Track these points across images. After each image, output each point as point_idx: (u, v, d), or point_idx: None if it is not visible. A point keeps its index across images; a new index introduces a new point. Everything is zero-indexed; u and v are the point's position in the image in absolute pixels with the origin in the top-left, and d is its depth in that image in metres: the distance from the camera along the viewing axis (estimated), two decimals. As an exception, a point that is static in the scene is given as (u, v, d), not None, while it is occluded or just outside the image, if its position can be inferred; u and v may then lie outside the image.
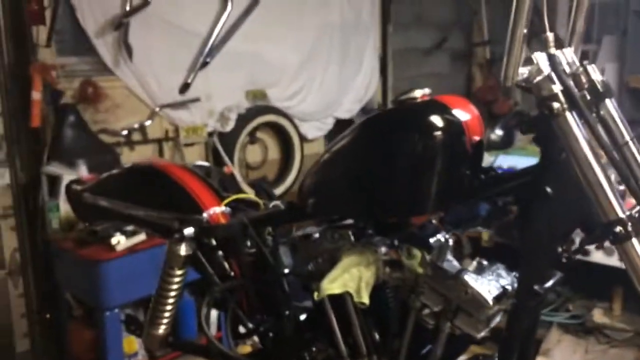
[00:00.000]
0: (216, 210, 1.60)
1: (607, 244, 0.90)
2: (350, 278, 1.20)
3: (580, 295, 3.09)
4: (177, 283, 1.55)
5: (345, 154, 1.24)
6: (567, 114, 0.90)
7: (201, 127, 3.49)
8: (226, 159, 3.52)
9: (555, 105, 0.89)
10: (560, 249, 1.02)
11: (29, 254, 2.87)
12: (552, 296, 3.09)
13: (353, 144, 1.22)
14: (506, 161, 3.32)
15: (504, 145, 3.82)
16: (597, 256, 2.68)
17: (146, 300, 2.62)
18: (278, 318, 1.52)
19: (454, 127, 1.09)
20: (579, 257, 1.07)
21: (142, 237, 2.61)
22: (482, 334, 1.13)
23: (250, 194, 3.53)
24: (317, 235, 1.37)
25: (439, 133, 1.08)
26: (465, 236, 3.14)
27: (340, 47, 4.13)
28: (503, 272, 1.15)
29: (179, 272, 1.53)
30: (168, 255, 1.52)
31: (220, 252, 1.58)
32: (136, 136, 3.26)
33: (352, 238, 1.27)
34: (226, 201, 1.62)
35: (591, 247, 2.48)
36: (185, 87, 3.38)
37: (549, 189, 0.98)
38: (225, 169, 3.51)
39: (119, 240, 2.54)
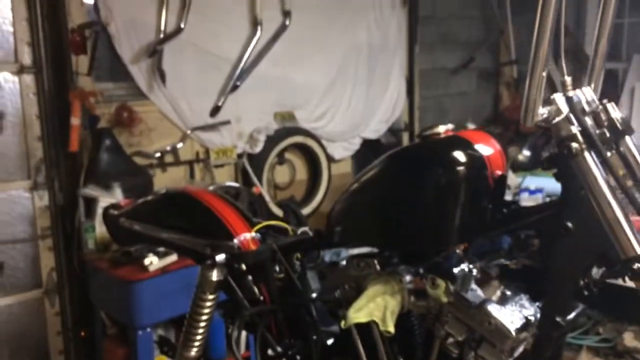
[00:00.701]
0: (247, 237, 1.66)
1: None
2: (375, 307, 1.24)
3: (611, 318, 3.06)
4: (209, 307, 1.60)
5: (372, 185, 1.29)
6: (586, 153, 0.93)
7: (231, 149, 3.57)
8: (255, 179, 3.59)
9: (574, 145, 0.93)
10: (582, 282, 1.04)
11: (66, 274, 2.98)
12: (583, 319, 3.06)
13: (380, 176, 1.27)
14: (533, 182, 3.31)
15: (532, 165, 3.80)
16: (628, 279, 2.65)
17: (178, 320, 2.71)
18: (306, 342, 1.56)
19: (476, 162, 1.13)
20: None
21: (174, 257, 2.68)
22: (507, 364, 1.15)
23: (278, 215, 3.61)
24: (343, 263, 1.41)
25: (461, 168, 1.12)
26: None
27: (367, 68, 4.19)
28: (526, 303, 1.18)
29: (210, 297, 1.58)
30: (200, 280, 1.58)
31: (250, 277, 1.63)
32: (168, 158, 3.36)
33: (378, 267, 1.31)
34: (256, 227, 1.68)
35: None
36: (216, 110, 3.48)
37: (569, 224, 1.01)
38: (254, 189, 3.59)
39: (152, 261, 2.61)
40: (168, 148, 3.34)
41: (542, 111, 0.96)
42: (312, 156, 3.95)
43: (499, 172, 1.14)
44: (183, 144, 3.38)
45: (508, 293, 1.19)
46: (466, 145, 1.14)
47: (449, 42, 4.70)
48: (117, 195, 2.86)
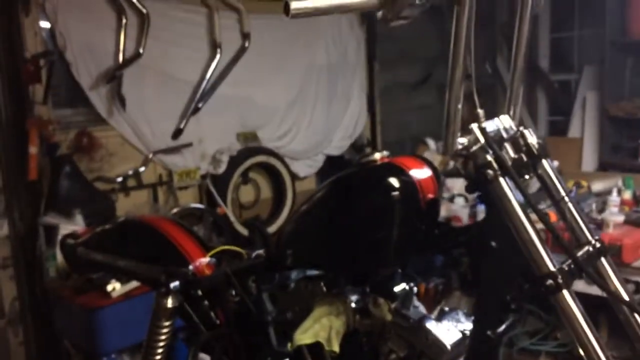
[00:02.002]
0: (202, 262, 1.70)
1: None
2: (321, 328, 1.29)
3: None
4: (166, 334, 1.63)
5: (316, 210, 1.34)
6: (500, 179, 1.01)
7: (194, 171, 3.60)
8: (219, 200, 3.62)
9: (489, 172, 1.00)
10: (508, 297, 1.11)
11: (28, 303, 2.96)
12: (540, 325, 3.16)
13: (323, 201, 1.32)
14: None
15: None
16: (580, 286, 2.75)
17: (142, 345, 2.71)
18: (264, 364, 1.60)
19: (408, 187, 1.19)
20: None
21: (136, 283, 2.69)
22: (444, 377, 1.21)
23: (244, 234, 3.64)
24: (292, 285, 1.47)
25: (395, 192, 1.18)
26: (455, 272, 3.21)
27: (328, 87, 4.27)
28: (462, 317, 1.25)
29: (166, 324, 1.61)
30: (155, 308, 1.61)
31: (206, 302, 1.67)
32: (131, 182, 3.37)
33: (324, 288, 1.36)
34: (211, 253, 1.72)
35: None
36: (177, 133, 3.51)
37: (493, 243, 1.08)
38: (219, 210, 3.62)
39: (114, 287, 2.62)
40: (130, 172, 3.35)
41: (462, 140, 1.03)
42: (276, 175, 4.00)
43: (430, 196, 1.20)
44: (145, 168, 3.40)
45: (446, 309, 1.26)
46: (399, 172, 1.20)
47: (407, 58, 4.81)
48: (77, 223, 2.87)
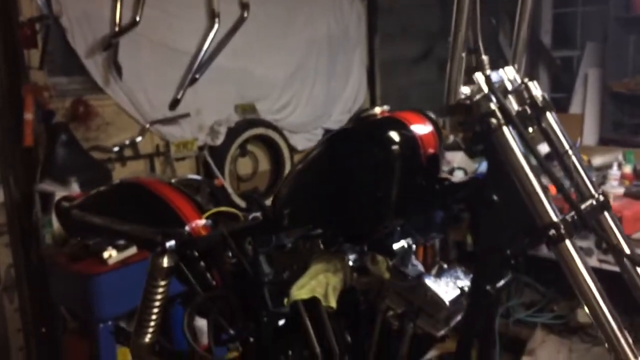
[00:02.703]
0: (198, 223, 1.68)
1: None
2: (318, 284, 1.27)
3: (564, 296, 3.16)
4: (161, 293, 1.61)
5: (313, 168, 1.32)
6: (504, 128, 0.98)
7: (192, 142, 3.57)
8: (217, 172, 3.60)
9: (493, 120, 0.97)
10: (508, 252, 1.09)
11: (24, 270, 2.95)
12: (537, 297, 3.16)
13: (320, 158, 1.30)
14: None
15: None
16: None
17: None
18: (258, 325, 1.59)
19: (409, 142, 1.17)
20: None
21: (133, 250, 2.67)
22: (442, 332, 1.20)
23: (242, 206, 3.62)
24: (290, 245, 1.45)
25: (395, 147, 1.16)
26: (452, 240, 3.20)
27: (328, 60, 4.23)
28: (461, 274, 1.23)
29: (162, 283, 1.60)
30: (151, 267, 1.59)
31: (202, 263, 1.66)
32: (128, 152, 3.34)
33: (322, 246, 1.35)
34: (207, 214, 1.70)
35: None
36: (175, 103, 3.47)
37: (495, 197, 1.06)
38: (216, 181, 3.59)
39: (111, 254, 2.61)
40: (127, 142, 3.32)
41: (465, 90, 1.00)
42: (274, 147, 3.97)
43: (431, 151, 1.18)
44: (142, 138, 3.37)
45: (445, 266, 1.24)
46: (400, 126, 1.18)
47: (408, 33, 4.76)
48: (74, 190, 2.84)
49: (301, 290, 1.27)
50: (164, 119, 3.44)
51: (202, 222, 1.69)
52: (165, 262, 1.57)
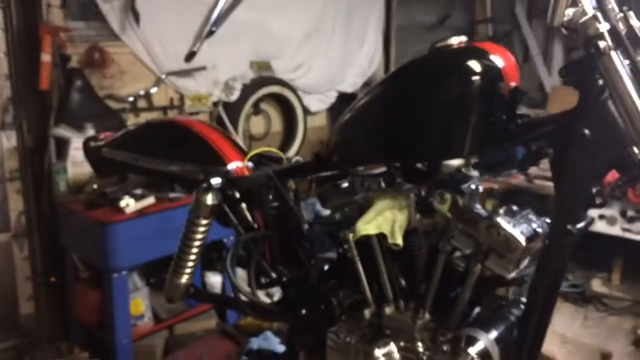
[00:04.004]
0: (239, 164, 1.62)
1: None
2: (384, 220, 1.23)
3: (580, 265, 3.16)
4: (202, 232, 1.56)
5: (380, 100, 1.26)
6: (612, 52, 0.93)
7: (206, 97, 3.49)
8: (231, 127, 3.53)
9: (602, 44, 0.92)
10: (594, 190, 1.05)
11: (35, 217, 2.87)
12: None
13: (388, 90, 1.24)
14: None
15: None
16: (599, 226, 2.74)
17: (153, 264, 2.66)
18: (300, 269, 1.54)
19: (493, 72, 1.11)
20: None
21: (151, 200, 2.62)
22: (513, 274, 1.16)
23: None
24: (344, 185, 1.40)
25: (478, 77, 1.10)
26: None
27: (345, 21, 4.14)
28: (533, 217, 1.19)
29: (204, 222, 1.55)
30: (195, 205, 1.54)
31: (243, 205, 1.60)
32: (141, 103, 3.26)
33: (383, 185, 1.30)
34: (250, 154, 1.64)
35: (595, 216, 2.52)
36: (191, 56, 3.37)
37: (586, 131, 1.01)
38: (230, 136, 3.52)
39: (128, 203, 2.55)
40: (141, 92, 3.23)
41: (568, 12, 0.95)
42: (288, 108, 3.90)
43: (513, 84, 1.13)
44: (157, 89, 3.28)
45: (515, 208, 1.20)
46: (483, 56, 1.12)
47: (426, -1, 4.68)
48: (90, 137, 2.76)
49: (368, 225, 1.22)
50: (180, 71, 3.35)
51: (244, 163, 1.63)
52: (209, 199, 1.52)
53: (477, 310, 1.31)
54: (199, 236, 1.56)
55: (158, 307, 2.86)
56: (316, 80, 4.00)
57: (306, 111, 3.98)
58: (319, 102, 4.06)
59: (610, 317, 2.90)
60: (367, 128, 1.28)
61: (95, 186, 2.68)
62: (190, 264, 1.60)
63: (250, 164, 1.64)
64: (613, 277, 3.08)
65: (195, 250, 1.58)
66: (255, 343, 2.02)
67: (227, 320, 2.81)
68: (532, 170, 3.21)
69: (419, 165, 1.26)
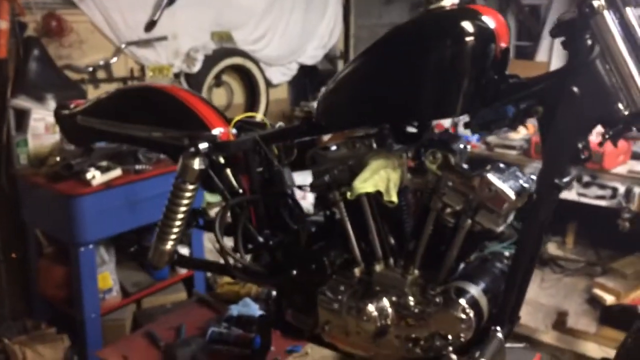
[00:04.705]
0: (223, 130, 1.62)
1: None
2: (380, 179, 1.26)
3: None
4: (189, 198, 1.56)
5: (372, 62, 1.28)
6: (605, 12, 0.99)
7: (167, 67, 3.42)
8: (193, 100, 3.47)
9: (596, 3, 0.98)
10: (580, 145, 1.12)
11: (-6, 191, 2.77)
12: (510, 231, 3.29)
13: (382, 52, 1.26)
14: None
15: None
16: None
17: (119, 238, 2.62)
18: (289, 232, 1.57)
19: (485, 33, 1.15)
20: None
21: (117, 172, 2.57)
22: (501, 228, 1.22)
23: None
24: (334, 147, 1.42)
25: (472, 38, 1.14)
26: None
27: (305, -8, 4.12)
28: (519, 173, 1.25)
29: (191, 187, 1.55)
30: (181, 169, 1.53)
31: (228, 170, 1.61)
32: (101, 74, 3.17)
33: (375, 145, 1.33)
34: (235, 120, 1.64)
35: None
36: (151, 25, 3.29)
37: (575, 88, 1.07)
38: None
39: (94, 175, 2.49)
40: (101, 63, 3.14)
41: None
42: (250, 79, 3.87)
43: (503, 45, 1.17)
44: (117, 59, 3.19)
45: (502, 165, 1.25)
46: (475, 17, 1.16)
47: (383, -28, 4.69)
48: (51, 108, 2.67)
49: (365, 184, 1.25)
50: (140, 41, 3.27)
51: (228, 129, 1.63)
52: (196, 164, 1.52)
53: (462, 265, 1.37)
54: (185, 202, 1.56)
55: (125, 281, 2.83)
56: (277, 52, 3.98)
57: (268, 83, 3.96)
58: (280, 75, 4.05)
59: (566, 278, 3.06)
60: (359, 91, 1.31)
61: (58, 159, 2.60)
62: (176, 229, 1.59)
63: (234, 131, 1.64)
64: (567, 241, 3.25)
65: (181, 216, 1.58)
66: (235, 310, 2.04)
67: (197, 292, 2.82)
68: (492, 138, 3.33)
69: (409, 126, 1.30)
